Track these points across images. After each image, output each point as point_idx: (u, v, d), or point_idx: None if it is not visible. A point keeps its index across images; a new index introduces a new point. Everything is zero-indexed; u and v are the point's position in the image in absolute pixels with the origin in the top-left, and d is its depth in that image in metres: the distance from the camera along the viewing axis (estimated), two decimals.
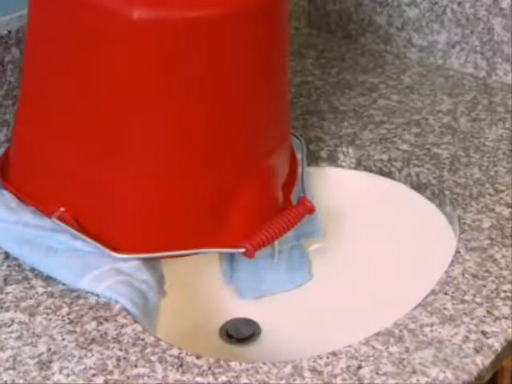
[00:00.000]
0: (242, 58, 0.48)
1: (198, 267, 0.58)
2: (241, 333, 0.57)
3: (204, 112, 0.48)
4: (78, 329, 0.46)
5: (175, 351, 0.45)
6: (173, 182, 0.49)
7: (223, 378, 0.43)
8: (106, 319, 0.47)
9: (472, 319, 0.46)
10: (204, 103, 0.47)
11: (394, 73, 0.73)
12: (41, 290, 0.49)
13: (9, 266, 0.51)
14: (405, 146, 0.63)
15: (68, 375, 0.43)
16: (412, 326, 0.46)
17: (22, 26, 0.57)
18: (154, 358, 0.44)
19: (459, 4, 0.71)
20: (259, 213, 0.53)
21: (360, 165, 0.63)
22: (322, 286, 0.60)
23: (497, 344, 0.45)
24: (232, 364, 0.43)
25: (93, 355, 0.44)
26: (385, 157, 0.63)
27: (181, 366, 0.44)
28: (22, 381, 0.43)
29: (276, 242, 0.56)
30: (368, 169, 0.63)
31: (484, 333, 0.45)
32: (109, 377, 0.43)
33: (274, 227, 0.52)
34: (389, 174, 0.62)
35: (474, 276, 0.50)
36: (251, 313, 0.58)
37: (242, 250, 0.51)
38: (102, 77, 0.46)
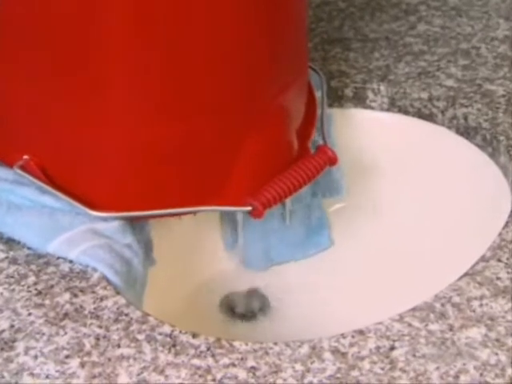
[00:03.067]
0: None
1: (194, 230, 0.59)
2: (246, 307, 0.58)
3: (197, 39, 0.47)
4: (47, 302, 0.46)
5: (167, 328, 0.45)
6: (162, 126, 0.49)
7: (225, 361, 0.43)
8: (82, 290, 0.47)
9: None
10: (195, 27, 0.47)
11: None
12: (1, 255, 0.49)
13: None
14: (450, 82, 0.63)
15: (36, 357, 0.43)
16: (457, 299, 0.46)
17: None
18: (140, 337, 0.44)
19: None
20: (269, 163, 0.53)
21: (394, 105, 0.63)
22: (344, 254, 0.61)
23: None
24: (236, 344, 0.44)
25: (66, 333, 0.45)
26: (425, 95, 0.62)
27: (174, 346, 0.44)
28: None
29: (288, 200, 0.56)
30: (404, 110, 0.63)
31: None
32: (86, 359, 0.43)
33: (287, 181, 0.52)
34: (430, 117, 0.62)
35: None
36: (258, 284, 0.59)
37: (248, 208, 0.51)
38: (78, 15, 0.46)
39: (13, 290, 0.47)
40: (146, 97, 0.48)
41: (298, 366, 0.43)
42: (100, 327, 0.45)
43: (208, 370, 0.42)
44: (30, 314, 0.46)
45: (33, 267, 0.49)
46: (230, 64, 0.49)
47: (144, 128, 0.49)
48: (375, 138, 0.63)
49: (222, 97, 0.49)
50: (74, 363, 0.43)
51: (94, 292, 0.47)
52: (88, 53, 0.47)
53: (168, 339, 0.44)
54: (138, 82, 0.48)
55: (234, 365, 0.43)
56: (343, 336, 0.44)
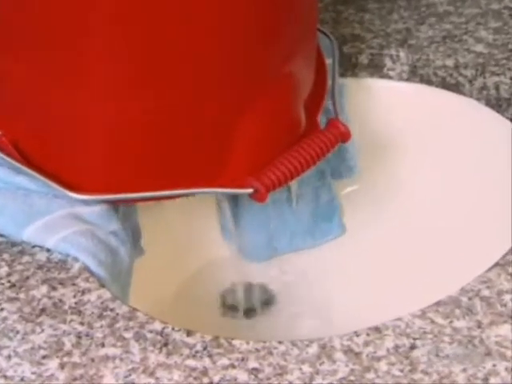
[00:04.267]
0: None
1: (188, 216, 0.59)
2: (247, 302, 0.58)
3: (186, 1, 0.47)
4: (21, 295, 0.47)
5: (157, 325, 0.45)
6: (150, 98, 0.49)
7: (224, 362, 0.43)
8: (62, 283, 0.47)
9: None
10: None
11: None
12: None
13: None
14: (479, 47, 0.63)
15: (9, 357, 0.44)
16: (486, 292, 0.46)
17: None
18: (128, 335, 0.44)
19: None
20: (272, 140, 0.53)
21: (415, 74, 0.63)
22: (358, 242, 0.61)
23: None
24: (236, 342, 0.44)
25: (43, 331, 0.45)
26: (450, 62, 0.62)
27: (165, 345, 0.44)
28: None
29: (295, 182, 0.56)
30: (426, 80, 0.63)
31: None
32: (66, 359, 0.43)
33: (293, 160, 0.52)
34: (456, 87, 0.62)
35: None
36: (260, 276, 0.59)
37: (249, 190, 0.51)
38: None
39: None
40: (130, 65, 0.48)
41: (306, 368, 0.43)
42: (82, 324, 0.45)
43: (204, 372, 0.42)
44: (2, 310, 0.46)
45: (5, 256, 0.49)
46: (226, 29, 0.49)
47: (129, 100, 0.49)
48: (394, 112, 0.63)
49: (216, 66, 0.49)
50: (53, 364, 0.43)
51: (74, 284, 0.47)
52: (67, 21, 0.47)
53: (159, 337, 0.44)
54: (122, 50, 0.48)
55: (233, 366, 0.43)
56: (357, 334, 0.44)
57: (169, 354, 0.43)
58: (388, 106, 0.63)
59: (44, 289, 0.47)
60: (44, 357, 0.43)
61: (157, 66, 0.48)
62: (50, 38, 0.48)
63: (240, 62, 0.50)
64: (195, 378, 0.42)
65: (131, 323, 0.45)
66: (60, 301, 0.46)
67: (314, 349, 0.43)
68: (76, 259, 0.48)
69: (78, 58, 0.48)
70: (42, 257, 0.49)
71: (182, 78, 0.49)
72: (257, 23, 0.50)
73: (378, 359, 0.43)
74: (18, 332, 0.45)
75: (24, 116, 0.51)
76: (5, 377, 0.43)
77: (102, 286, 0.47)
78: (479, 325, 0.44)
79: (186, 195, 0.52)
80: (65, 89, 0.49)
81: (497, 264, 0.48)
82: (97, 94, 0.49)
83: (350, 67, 0.63)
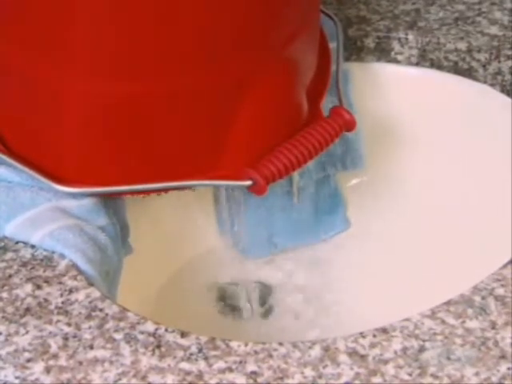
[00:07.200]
0: None
1: (182, 210, 0.59)
2: (245, 301, 0.58)
3: None
4: (4, 295, 0.47)
5: (149, 326, 0.45)
6: (140, 79, 0.49)
7: (221, 365, 0.43)
8: (47, 281, 0.47)
9: None
10: None
11: None
12: None
13: None
14: (493, 30, 0.63)
15: None
16: (501, 291, 0.46)
17: None
18: (118, 336, 0.45)
19: None
20: (272, 128, 0.53)
21: (425, 59, 0.63)
22: (363, 237, 0.61)
23: None
24: (233, 344, 0.44)
25: (28, 332, 0.45)
26: (462, 46, 0.62)
27: (158, 347, 0.44)
28: None
29: (296, 173, 0.56)
30: (437, 64, 0.63)
31: None
32: (52, 362, 0.43)
33: (294, 150, 0.52)
34: (468, 72, 0.62)
35: None
36: (260, 273, 0.59)
37: (248, 182, 0.51)
38: None
39: None
40: (116, 41, 0.48)
41: (308, 371, 0.43)
42: (69, 325, 0.45)
43: (199, 376, 0.43)
44: None
45: None
46: (224, 7, 0.48)
47: (116, 81, 0.49)
48: (402, 98, 0.63)
49: (211, 47, 0.49)
50: (38, 368, 0.43)
51: (61, 283, 0.47)
52: None
53: (151, 339, 0.44)
54: (108, 23, 0.47)
55: (230, 369, 0.43)
56: (362, 335, 0.44)
57: (161, 357, 0.43)
58: (396, 93, 0.63)
59: (28, 287, 0.47)
60: (28, 360, 0.43)
61: (145, 46, 0.48)
62: (35, 12, 0.47)
63: (237, 44, 0.50)
64: (190, 383, 0.42)
65: (121, 324, 0.45)
66: (45, 300, 0.46)
67: (316, 351, 0.43)
68: (62, 256, 0.48)
69: (62, 33, 0.48)
70: (26, 253, 0.49)
71: (173, 59, 0.49)
72: (255, 2, 0.50)
73: (385, 362, 0.43)
74: (0, 333, 0.45)
75: (7, 101, 0.51)
76: None
77: (91, 284, 0.47)
78: (493, 325, 0.44)
79: (180, 188, 0.52)
80: (50, 65, 0.49)
81: None
82: (83, 71, 0.49)
83: (356, 51, 0.63)
